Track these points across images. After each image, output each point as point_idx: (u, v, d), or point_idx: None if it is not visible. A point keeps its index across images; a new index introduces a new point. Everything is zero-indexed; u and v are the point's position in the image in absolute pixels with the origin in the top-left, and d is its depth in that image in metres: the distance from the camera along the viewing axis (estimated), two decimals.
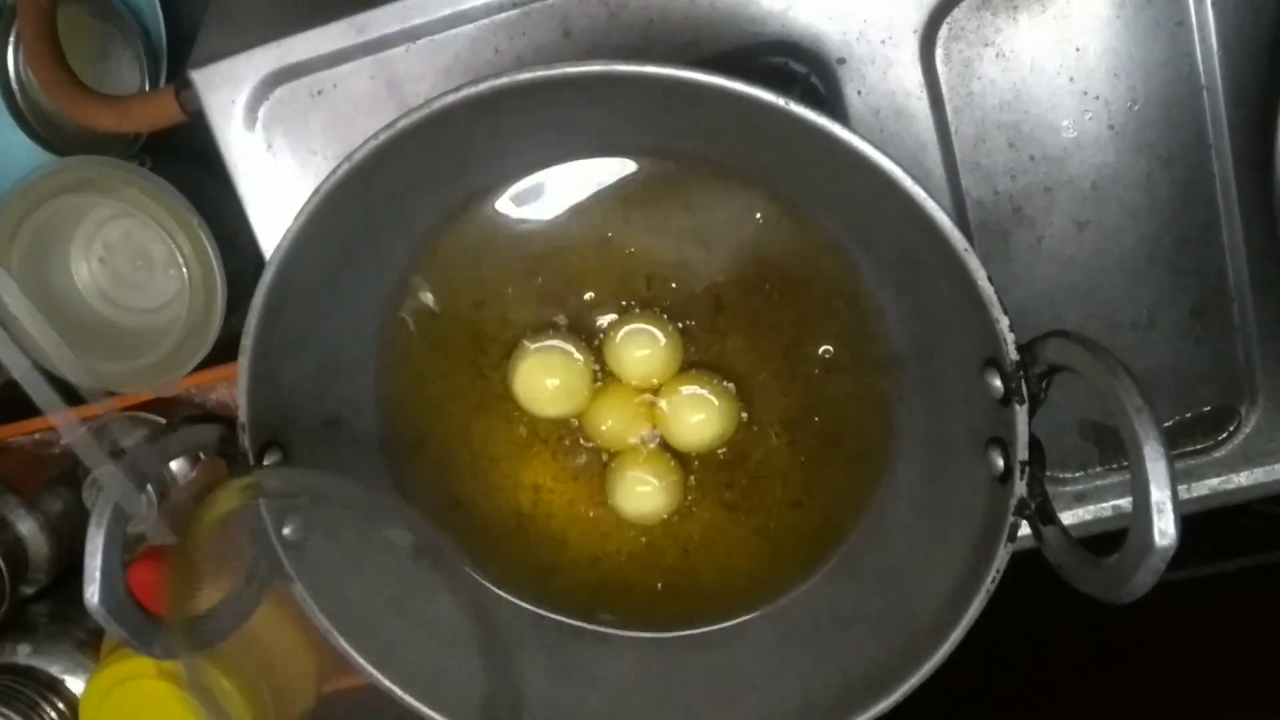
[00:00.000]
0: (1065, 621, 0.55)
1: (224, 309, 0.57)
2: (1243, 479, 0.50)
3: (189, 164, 0.60)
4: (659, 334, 0.43)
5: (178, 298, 0.58)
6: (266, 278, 0.38)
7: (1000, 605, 0.38)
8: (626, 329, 0.43)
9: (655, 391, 0.44)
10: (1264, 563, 0.57)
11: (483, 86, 0.34)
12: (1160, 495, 0.31)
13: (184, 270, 0.56)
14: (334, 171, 0.36)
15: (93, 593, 0.35)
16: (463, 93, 0.35)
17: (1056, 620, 0.56)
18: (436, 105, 0.35)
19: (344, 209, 0.38)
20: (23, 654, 0.64)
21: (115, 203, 0.57)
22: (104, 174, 0.56)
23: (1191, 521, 0.49)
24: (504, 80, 0.34)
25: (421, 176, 0.40)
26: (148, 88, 0.61)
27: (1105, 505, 0.50)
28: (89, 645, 0.65)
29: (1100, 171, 0.46)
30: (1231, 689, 0.54)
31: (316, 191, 0.36)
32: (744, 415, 0.44)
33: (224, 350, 0.59)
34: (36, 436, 0.68)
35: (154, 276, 0.60)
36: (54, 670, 0.64)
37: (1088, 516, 0.51)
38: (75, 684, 0.64)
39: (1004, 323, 0.35)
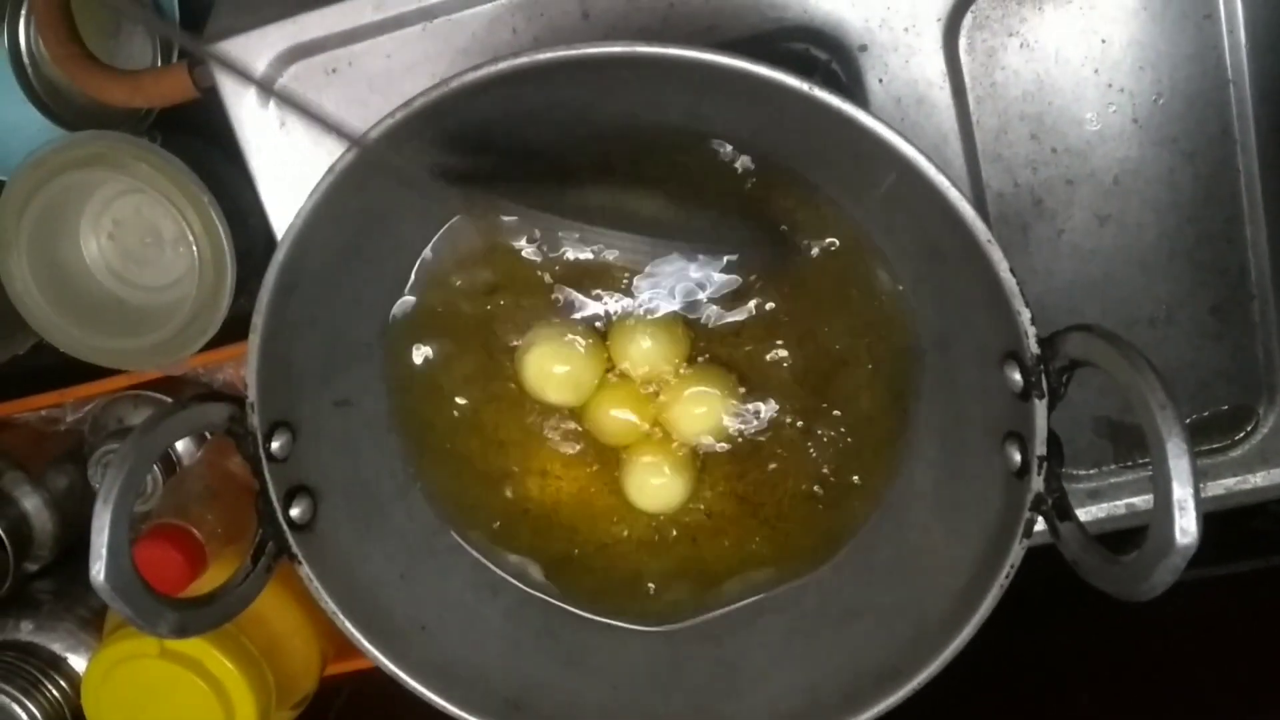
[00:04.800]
0: (1077, 619, 0.55)
1: (233, 288, 0.57)
2: (1259, 479, 0.50)
3: (200, 141, 0.59)
4: (665, 327, 0.43)
5: (187, 275, 0.57)
6: (279, 256, 0.37)
7: (1011, 603, 0.37)
8: (633, 321, 0.43)
9: (660, 385, 0.44)
10: (1277, 564, 0.57)
11: (501, 66, 0.34)
12: (1183, 493, 0.30)
13: (194, 248, 0.56)
14: (347, 150, 0.35)
15: (99, 570, 0.35)
16: (481, 72, 0.34)
17: (1068, 618, 0.56)
18: (454, 84, 0.34)
19: (358, 188, 0.37)
20: (25, 631, 0.64)
21: (125, 178, 0.56)
22: (114, 149, 0.55)
23: (1206, 521, 0.49)
24: (522, 60, 0.34)
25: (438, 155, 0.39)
26: (159, 63, 0.61)
27: (1119, 503, 0.50)
28: (91, 623, 0.65)
29: (1123, 165, 0.45)
30: (1242, 690, 0.53)
31: (331, 170, 0.36)
32: (760, 406, 0.44)
33: (232, 330, 0.58)
34: (42, 413, 0.68)
35: (163, 254, 0.60)
36: (56, 648, 0.64)
37: (1101, 514, 0.50)
38: (77, 662, 0.64)
39: (1025, 316, 0.34)
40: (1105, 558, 0.34)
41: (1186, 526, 0.30)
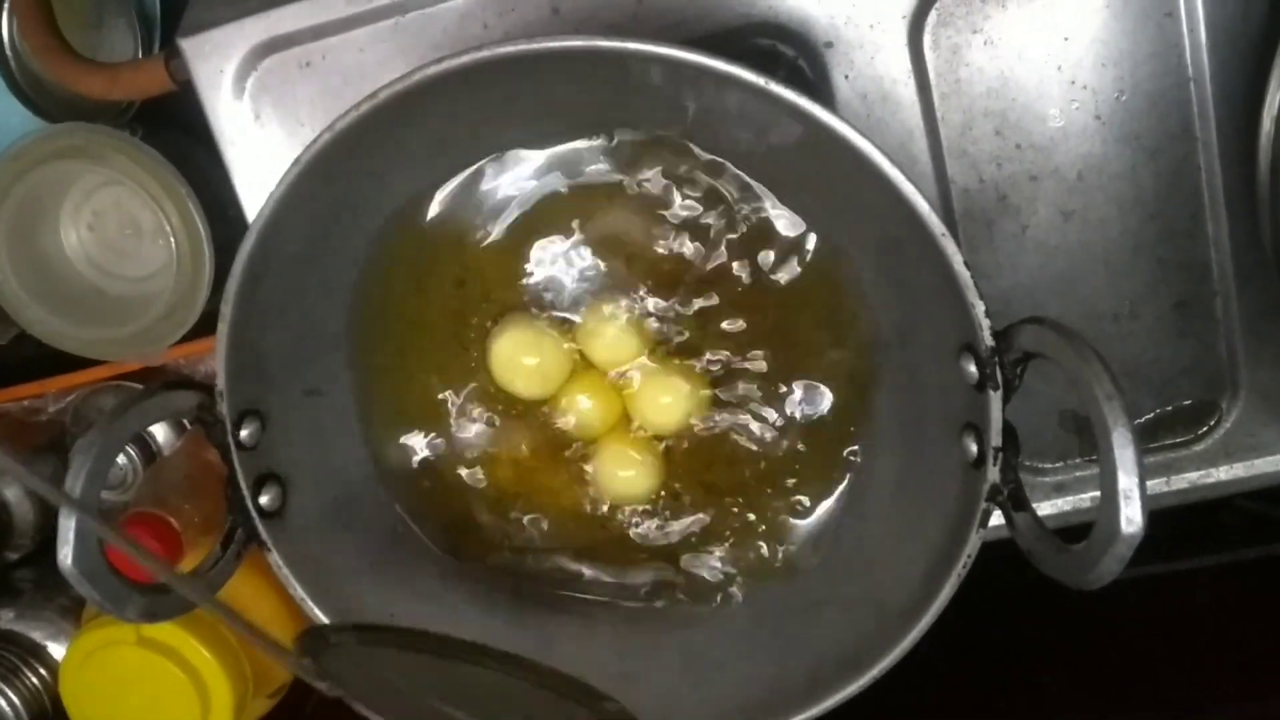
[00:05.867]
0: (1043, 612, 0.55)
1: (211, 280, 0.57)
2: (1222, 473, 0.50)
3: (181, 135, 0.59)
4: (627, 318, 0.43)
5: (165, 267, 0.58)
6: (247, 245, 0.38)
7: (979, 596, 0.38)
8: (597, 312, 0.43)
9: (628, 376, 0.44)
10: (1243, 558, 0.57)
11: (464, 59, 0.34)
12: (1128, 482, 0.31)
13: (172, 240, 0.56)
14: (315, 141, 0.36)
15: (66, 554, 0.35)
16: (444, 65, 0.35)
17: (1035, 612, 0.56)
18: (418, 77, 0.35)
19: (326, 179, 0.38)
20: (5, 619, 0.65)
21: (104, 170, 0.56)
22: (94, 141, 0.56)
23: (1171, 515, 0.50)
24: (485, 53, 0.34)
25: (404, 149, 0.40)
26: (141, 56, 0.61)
27: (1084, 496, 0.50)
28: (72, 612, 0.65)
29: (1086, 161, 0.46)
30: (1206, 682, 0.54)
31: (297, 161, 0.36)
32: (728, 395, 0.44)
33: (214, 321, 0.58)
34: (25, 403, 0.68)
35: (142, 245, 0.60)
36: (36, 636, 0.64)
37: (1067, 507, 0.51)
38: (57, 650, 0.64)
39: (980, 308, 0.35)
40: (1056, 547, 0.34)
41: (1132, 516, 0.31)
